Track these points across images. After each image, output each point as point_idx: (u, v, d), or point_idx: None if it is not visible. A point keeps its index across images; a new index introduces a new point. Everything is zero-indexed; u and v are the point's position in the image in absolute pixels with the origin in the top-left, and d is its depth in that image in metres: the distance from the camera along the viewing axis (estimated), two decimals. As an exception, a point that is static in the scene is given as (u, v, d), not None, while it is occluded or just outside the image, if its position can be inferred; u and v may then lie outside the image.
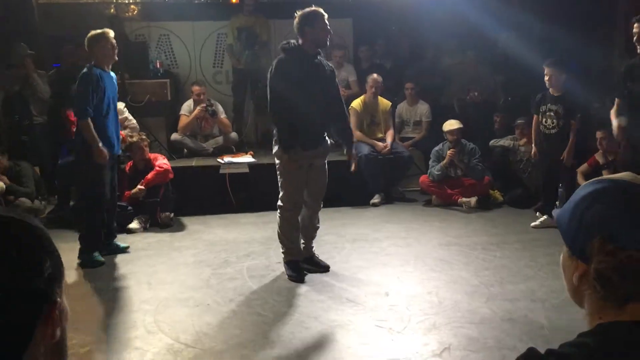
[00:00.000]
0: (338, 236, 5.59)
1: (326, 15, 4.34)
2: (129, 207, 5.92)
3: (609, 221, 1.05)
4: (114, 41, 4.89)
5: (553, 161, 5.87)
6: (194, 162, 6.92)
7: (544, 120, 5.87)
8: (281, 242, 4.56)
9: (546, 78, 5.76)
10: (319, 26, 4.31)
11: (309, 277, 4.52)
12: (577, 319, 1.16)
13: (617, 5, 7.62)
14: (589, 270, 1.06)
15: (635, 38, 5.02)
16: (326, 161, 4.68)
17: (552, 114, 5.80)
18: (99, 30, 4.86)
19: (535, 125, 6.01)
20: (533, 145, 6.10)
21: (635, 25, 5.04)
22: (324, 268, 4.63)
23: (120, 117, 6.55)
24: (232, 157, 7.00)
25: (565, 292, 1.17)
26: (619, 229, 1.04)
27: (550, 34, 7.18)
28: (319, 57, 4.44)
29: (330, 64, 4.68)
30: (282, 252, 4.58)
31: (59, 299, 0.87)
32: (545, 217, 5.80)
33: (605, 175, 1.16)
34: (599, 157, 6.11)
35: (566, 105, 5.72)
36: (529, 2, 7.89)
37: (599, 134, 6.03)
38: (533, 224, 5.80)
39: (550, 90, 5.80)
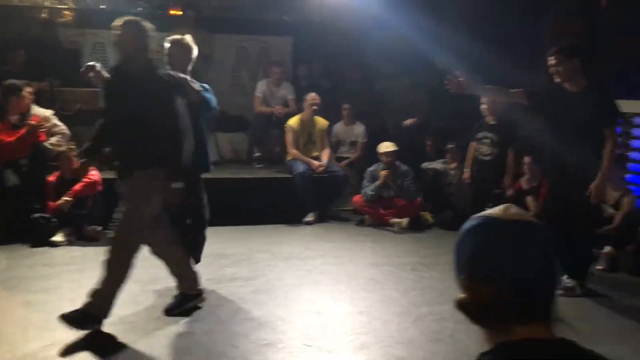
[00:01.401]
0: (271, 254, 5.57)
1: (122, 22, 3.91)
2: (54, 219, 5.69)
3: (475, 259, 1.14)
4: None
5: (483, 187, 6.09)
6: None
7: (479, 147, 6.09)
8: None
9: (484, 107, 5.96)
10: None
11: (241, 295, 4.47)
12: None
13: (543, 26, 7.98)
14: (472, 301, 1.15)
15: (551, 70, 5.32)
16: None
17: (487, 141, 6.03)
18: None
19: (470, 151, 6.23)
20: (466, 169, 6.31)
21: (550, 58, 5.36)
22: None
23: (47, 124, 6.34)
24: (166, 170, 6.85)
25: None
26: (490, 265, 1.12)
27: (484, 58, 7.43)
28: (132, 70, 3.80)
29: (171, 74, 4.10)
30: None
31: None
32: None
33: (489, 211, 1.24)
34: (523, 182, 6.37)
35: (501, 133, 5.95)
36: (461, 24, 8.18)
37: (525, 160, 6.29)
38: None
39: (487, 118, 6.03)
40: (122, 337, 3.65)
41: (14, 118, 5.87)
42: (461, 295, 1.19)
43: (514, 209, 1.20)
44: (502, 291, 1.10)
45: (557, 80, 4.49)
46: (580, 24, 7.37)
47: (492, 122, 6.03)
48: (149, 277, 4.78)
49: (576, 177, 4.37)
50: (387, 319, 4.10)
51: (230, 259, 5.37)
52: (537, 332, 1.09)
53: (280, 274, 5.03)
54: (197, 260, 4.49)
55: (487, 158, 6.08)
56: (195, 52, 4.35)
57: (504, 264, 1.12)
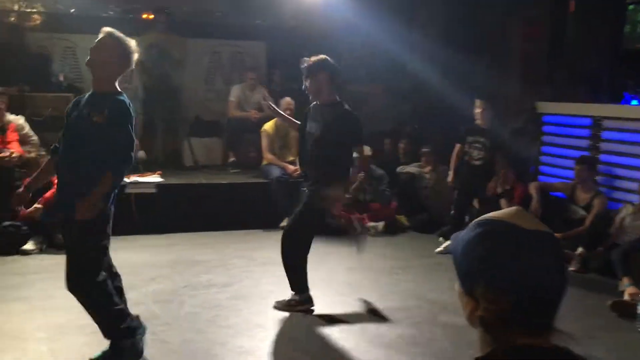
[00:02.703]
0: (247, 259, 5.53)
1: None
2: (24, 227, 5.56)
3: (491, 268, 1.11)
4: None
5: (471, 192, 6.12)
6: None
7: (470, 151, 6.07)
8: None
9: (478, 110, 5.97)
10: None
11: (218, 302, 4.43)
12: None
13: (511, 31, 8.11)
14: (477, 309, 1.13)
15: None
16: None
17: (479, 145, 6.02)
18: None
19: (456, 154, 6.17)
20: (451, 172, 6.26)
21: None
22: None
23: (21, 132, 6.21)
24: (139, 176, 6.77)
25: (466, 315, 1.22)
26: (500, 276, 1.10)
27: (452, 62, 7.51)
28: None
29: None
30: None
31: None
32: (449, 242, 6.01)
33: (496, 213, 1.21)
34: (497, 186, 6.44)
35: (493, 138, 5.97)
36: (433, 31, 8.26)
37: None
38: (437, 250, 5.99)
39: (479, 122, 6.02)
40: (95, 348, 3.58)
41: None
42: (466, 302, 1.17)
43: (524, 214, 1.16)
44: (521, 302, 1.08)
45: None
46: (544, 28, 7.50)
47: (483, 127, 6.02)
48: (124, 285, 4.70)
49: None
50: (365, 323, 4.10)
51: (205, 265, 5.32)
52: (538, 340, 1.09)
53: (257, 280, 5.00)
54: None
55: (478, 162, 6.06)
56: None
57: (527, 274, 1.08)
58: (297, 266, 4.33)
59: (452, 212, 6.18)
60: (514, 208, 1.19)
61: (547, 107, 7.01)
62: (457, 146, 6.20)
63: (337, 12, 7.92)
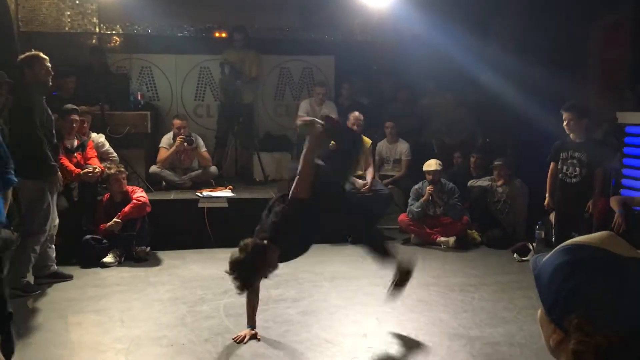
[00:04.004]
0: (316, 274, 5.54)
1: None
2: (104, 241, 5.81)
3: (587, 299, 1.03)
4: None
5: (571, 211, 5.54)
6: (172, 196, 6.84)
7: (564, 168, 5.50)
8: None
9: (564, 123, 5.46)
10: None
11: (287, 317, 4.44)
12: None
13: (590, 38, 7.77)
14: (567, 341, 1.06)
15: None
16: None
17: (574, 161, 5.49)
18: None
19: (551, 173, 5.64)
20: (547, 194, 5.72)
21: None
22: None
23: (101, 149, 6.51)
24: (211, 191, 6.94)
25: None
26: (597, 308, 1.02)
27: (527, 73, 7.27)
28: None
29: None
30: None
31: None
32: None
33: (585, 238, 1.12)
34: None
35: (590, 152, 5.38)
36: (508, 42, 8.05)
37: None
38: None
39: (571, 136, 5.54)
40: (170, 359, 3.67)
41: (69, 142, 6.03)
42: (552, 331, 1.10)
43: (617, 239, 1.08)
44: (623, 337, 1.00)
45: None
46: (626, 35, 7.15)
47: (578, 140, 5.54)
48: (196, 298, 4.82)
49: None
50: (437, 341, 4.00)
51: (275, 279, 5.32)
52: None
53: (326, 295, 5.00)
54: None
55: (574, 180, 5.58)
56: None
57: (629, 307, 1.01)
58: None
59: (539, 231, 5.81)
60: (605, 233, 1.11)
61: (629, 117, 6.64)
62: (552, 165, 5.64)
63: (406, 25, 7.88)
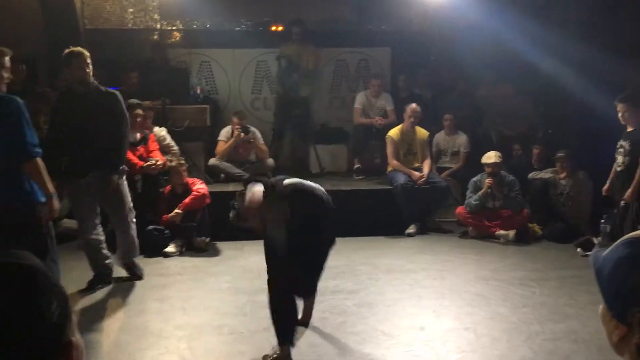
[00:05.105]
0: (373, 267, 5.54)
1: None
2: (166, 231, 5.98)
3: None
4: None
5: (619, 200, 5.54)
6: (230, 187, 6.95)
7: (616, 157, 5.56)
8: None
9: (619, 115, 5.43)
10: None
11: (344, 308, 4.47)
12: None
13: None
14: (630, 336, 1.03)
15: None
16: (119, 181, 4.85)
17: (621, 150, 5.49)
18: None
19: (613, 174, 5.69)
20: (608, 181, 5.73)
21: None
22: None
23: (163, 142, 6.71)
24: (268, 183, 7.01)
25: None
26: None
27: (592, 60, 6.98)
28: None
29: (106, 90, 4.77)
30: None
31: (72, 338, 0.85)
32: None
33: None
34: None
35: (633, 141, 5.37)
36: (571, 27, 7.77)
37: None
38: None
39: (628, 126, 5.50)
40: (231, 348, 3.76)
41: (133, 136, 6.22)
42: (614, 326, 1.08)
43: None
44: None
45: None
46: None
47: (629, 129, 5.46)
48: (255, 288, 4.90)
49: None
50: (496, 336, 3.94)
51: (332, 271, 5.37)
52: None
53: (382, 288, 4.99)
54: None
55: (619, 169, 5.54)
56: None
57: None
58: None
59: (604, 225, 5.63)
60: None
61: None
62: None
63: (464, 14, 7.72)
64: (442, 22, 8.36)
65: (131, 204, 5.08)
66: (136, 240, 5.14)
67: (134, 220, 5.14)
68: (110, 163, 4.73)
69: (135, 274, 5.09)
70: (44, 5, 7.56)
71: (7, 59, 3.74)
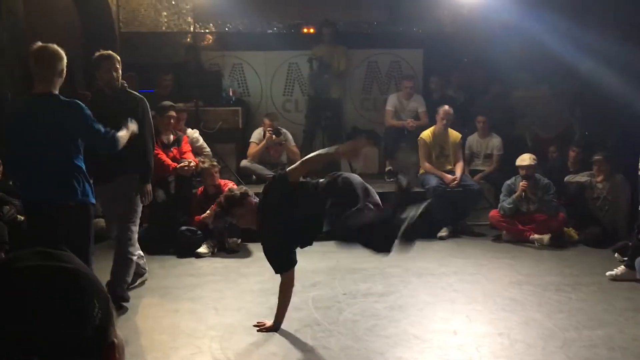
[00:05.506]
0: (404, 269, 5.49)
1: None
2: (199, 232, 6.04)
3: None
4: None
5: None
6: (261, 189, 6.98)
7: None
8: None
9: None
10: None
11: (375, 311, 4.44)
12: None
13: None
14: None
15: None
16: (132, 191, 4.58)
17: None
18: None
19: None
20: None
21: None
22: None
23: (196, 144, 6.78)
24: (300, 184, 7.03)
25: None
26: None
27: (631, 60, 6.81)
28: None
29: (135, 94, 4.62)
30: None
31: (115, 340, 0.86)
32: (623, 268, 5.15)
33: None
34: None
35: None
36: (610, 27, 7.59)
37: None
38: (609, 273, 5.20)
39: None
40: (262, 349, 3.77)
41: (166, 137, 6.31)
42: None
43: None
44: None
45: None
46: None
47: None
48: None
49: None
50: (530, 342, 3.87)
51: (363, 273, 5.37)
52: None
53: (414, 291, 4.95)
54: None
55: None
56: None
57: None
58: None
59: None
60: None
61: None
62: None
63: (498, 15, 7.62)
64: (476, 23, 8.26)
65: (137, 220, 4.69)
66: (133, 265, 4.64)
67: (136, 240, 4.68)
68: (138, 170, 4.55)
69: (119, 305, 4.37)
70: (80, 9, 7.72)
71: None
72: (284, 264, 3.96)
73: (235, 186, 6.30)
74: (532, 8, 7.18)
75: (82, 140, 3.78)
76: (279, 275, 4.01)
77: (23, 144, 3.70)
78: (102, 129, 3.81)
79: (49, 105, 3.64)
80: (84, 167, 3.79)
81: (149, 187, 4.67)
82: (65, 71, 3.74)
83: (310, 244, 4.07)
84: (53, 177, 3.67)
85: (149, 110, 4.73)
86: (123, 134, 4.00)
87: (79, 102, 3.76)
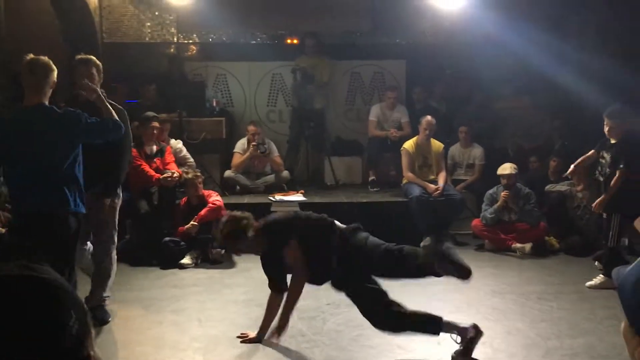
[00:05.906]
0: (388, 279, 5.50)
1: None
2: (182, 243, 6.01)
3: None
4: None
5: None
6: (245, 200, 7.00)
7: (598, 166, 5.60)
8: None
9: (606, 129, 5.41)
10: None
11: (359, 321, 4.44)
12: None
13: None
14: None
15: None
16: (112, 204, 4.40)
17: (603, 161, 5.51)
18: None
19: (583, 160, 5.64)
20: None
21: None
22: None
23: (179, 155, 6.76)
24: (283, 195, 7.06)
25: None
26: None
27: (610, 71, 6.92)
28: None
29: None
30: None
31: (91, 352, 0.85)
32: (602, 277, 5.27)
33: None
34: None
35: (614, 153, 5.33)
36: (583, 38, 7.74)
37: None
38: (588, 283, 5.30)
39: (611, 138, 5.49)
40: (246, 359, 3.76)
41: (149, 148, 6.29)
42: (637, 342, 1.08)
43: None
44: None
45: None
46: None
47: (612, 141, 5.43)
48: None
49: None
50: (513, 351, 3.91)
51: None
52: None
53: (399, 300, 4.95)
54: None
55: (601, 179, 5.55)
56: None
57: None
58: None
59: (622, 238, 5.57)
60: None
61: None
62: (592, 152, 5.64)
63: (480, 27, 7.73)
64: (458, 34, 8.37)
65: (115, 234, 4.51)
66: (112, 276, 4.50)
67: (115, 252, 4.53)
68: (105, 185, 4.34)
69: (99, 318, 4.27)
70: (62, 19, 7.68)
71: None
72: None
73: (219, 197, 6.32)
74: (512, 20, 7.29)
75: (90, 140, 3.79)
76: (262, 285, 4.01)
77: (18, 156, 3.69)
78: (96, 120, 3.79)
79: (45, 117, 3.64)
80: (80, 178, 3.76)
81: (108, 202, 4.36)
82: (55, 82, 3.75)
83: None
84: (48, 187, 3.64)
85: (129, 123, 4.52)
86: (107, 112, 3.91)
87: (70, 109, 3.76)
